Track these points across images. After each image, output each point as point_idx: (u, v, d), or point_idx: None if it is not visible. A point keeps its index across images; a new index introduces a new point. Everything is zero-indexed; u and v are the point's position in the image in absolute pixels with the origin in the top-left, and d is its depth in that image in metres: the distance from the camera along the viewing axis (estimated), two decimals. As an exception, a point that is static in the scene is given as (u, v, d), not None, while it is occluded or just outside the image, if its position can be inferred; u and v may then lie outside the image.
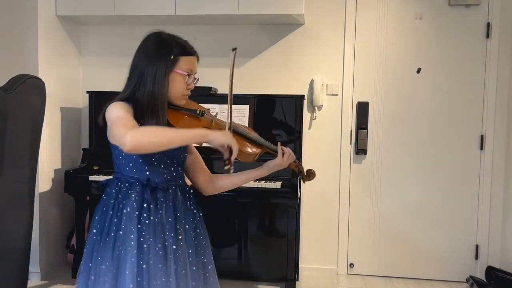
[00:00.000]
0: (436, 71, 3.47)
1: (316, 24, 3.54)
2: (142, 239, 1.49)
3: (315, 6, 3.51)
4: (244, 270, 3.41)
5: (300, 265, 3.56)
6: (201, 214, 1.69)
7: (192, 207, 1.66)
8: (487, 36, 3.40)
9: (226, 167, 1.52)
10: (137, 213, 1.50)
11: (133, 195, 1.52)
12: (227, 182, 1.76)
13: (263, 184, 2.93)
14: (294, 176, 2.99)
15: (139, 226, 1.49)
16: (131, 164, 1.56)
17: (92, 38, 3.79)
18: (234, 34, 3.63)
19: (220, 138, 1.47)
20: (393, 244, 3.58)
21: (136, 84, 1.56)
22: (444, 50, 3.45)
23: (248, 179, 1.75)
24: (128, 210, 1.50)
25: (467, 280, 3.40)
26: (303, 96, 3.38)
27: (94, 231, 1.57)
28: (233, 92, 1.64)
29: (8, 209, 2.30)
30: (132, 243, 1.47)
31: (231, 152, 1.49)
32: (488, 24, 3.39)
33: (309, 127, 3.59)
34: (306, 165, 3.48)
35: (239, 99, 3.18)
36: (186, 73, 1.57)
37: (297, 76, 3.57)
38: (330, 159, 3.58)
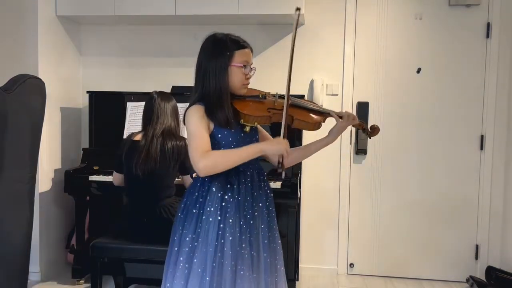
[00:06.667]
0: (436, 71, 3.47)
1: (316, 24, 3.54)
2: (227, 215, 1.70)
3: (315, 6, 3.51)
4: (244, 270, 3.41)
5: (300, 265, 3.56)
6: (272, 195, 1.87)
7: (265, 188, 1.84)
8: (487, 36, 3.40)
9: (280, 170, 1.71)
10: (221, 192, 1.72)
11: (217, 177, 1.72)
12: (300, 153, 1.94)
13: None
14: (295, 176, 2.99)
15: (223, 204, 1.71)
16: None
17: (92, 38, 3.79)
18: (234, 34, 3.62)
19: (273, 149, 1.70)
20: (393, 244, 3.58)
21: (202, 82, 1.73)
22: (444, 50, 3.45)
23: (318, 148, 1.91)
24: (214, 190, 1.72)
25: (467, 280, 3.40)
26: (303, 96, 3.37)
27: (180, 209, 1.79)
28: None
29: (8, 209, 2.30)
30: (219, 218, 1.69)
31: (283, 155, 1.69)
32: (488, 24, 3.39)
33: (309, 127, 3.58)
34: (306, 165, 3.51)
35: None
36: (242, 65, 1.74)
37: (297, 76, 3.56)
38: (330, 159, 3.58)
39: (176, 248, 1.75)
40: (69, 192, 3.23)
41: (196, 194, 1.75)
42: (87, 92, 3.47)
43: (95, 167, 3.24)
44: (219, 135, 1.72)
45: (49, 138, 3.40)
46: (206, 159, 1.62)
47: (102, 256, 2.63)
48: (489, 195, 3.44)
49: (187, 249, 1.71)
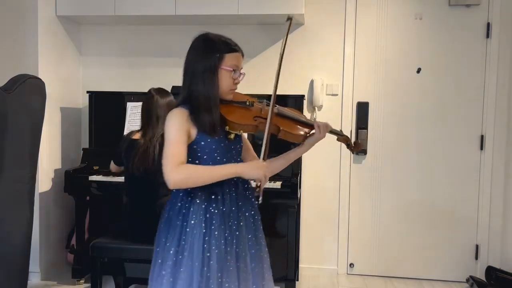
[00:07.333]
0: (436, 71, 3.47)
1: (316, 24, 3.54)
2: (212, 227, 1.63)
3: (315, 6, 3.51)
4: (244, 270, 3.41)
5: (300, 265, 3.56)
6: (256, 203, 1.79)
7: (250, 196, 1.78)
8: (487, 36, 3.40)
9: (256, 195, 1.66)
10: (205, 204, 1.64)
11: (200, 187, 1.63)
12: (281, 162, 1.88)
13: (263, 184, 2.93)
14: (295, 176, 2.99)
15: (207, 215, 1.64)
16: (197, 162, 1.65)
17: (92, 38, 3.79)
18: (234, 34, 3.55)
19: (251, 174, 1.63)
20: (393, 244, 3.58)
21: (190, 84, 1.65)
22: (444, 50, 3.45)
23: (293, 158, 1.89)
24: (197, 201, 1.64)
25: (467, 280, 3.40)
26: (303, 96, 3.38)
27: (163, 220, 1.71)
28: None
29: (8, 209, 2.30)
30: (204, 230, 1.62)
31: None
32: (488, 24, 3.39)
33: (309, 127, 3.58)
34: (306, 165, 3.51)
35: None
36: (232, 69, 1.67)
37: (297, 76, 3.56)
38: (330, 159, 3.58)
39: (159, 261, 1.68)
40: (69, 192, 3.23)
41: (179, 204, 1.67)
42: (87, 92, 3.47)
43: (95, 167, 3.24)
44: (202, 142, 1.62)
45: (49, 138, 3.40)
46: (178, 173, 1.53)
47: (102, 256, 2.63)
48: (489, 195, 3.44)
49: (170, 262, 1.63)
